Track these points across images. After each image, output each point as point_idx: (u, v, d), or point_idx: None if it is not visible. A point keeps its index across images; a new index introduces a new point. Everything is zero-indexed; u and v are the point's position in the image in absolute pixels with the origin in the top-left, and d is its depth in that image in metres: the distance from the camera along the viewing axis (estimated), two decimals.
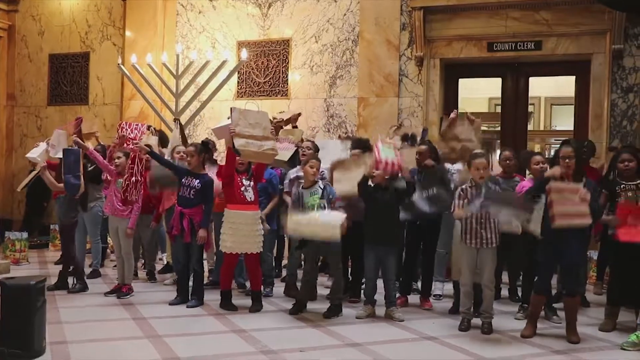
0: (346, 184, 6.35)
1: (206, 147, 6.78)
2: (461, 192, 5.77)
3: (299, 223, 5.93)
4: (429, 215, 6.42)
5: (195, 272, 6.53)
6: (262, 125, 6.26)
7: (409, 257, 6.77)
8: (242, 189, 6.23)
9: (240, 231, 6.15)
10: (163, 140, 8.50)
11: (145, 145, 6.76)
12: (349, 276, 6.96)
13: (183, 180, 6.51)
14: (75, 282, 7.12)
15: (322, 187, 6.20)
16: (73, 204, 7.22)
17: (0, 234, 9.09)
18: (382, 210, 6.07)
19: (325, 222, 5.84)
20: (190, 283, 6.60)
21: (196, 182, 6.43)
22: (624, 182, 5.99)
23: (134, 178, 6.74)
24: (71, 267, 7.20)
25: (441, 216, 6.62)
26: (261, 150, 6.17)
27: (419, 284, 6.99)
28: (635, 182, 5.91)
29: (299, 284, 6.81)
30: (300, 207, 6.14)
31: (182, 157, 7.22)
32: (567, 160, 5.41)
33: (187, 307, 6.35)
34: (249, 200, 6.23)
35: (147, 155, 6.74)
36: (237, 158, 6.20)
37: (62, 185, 7.06)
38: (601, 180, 6.44)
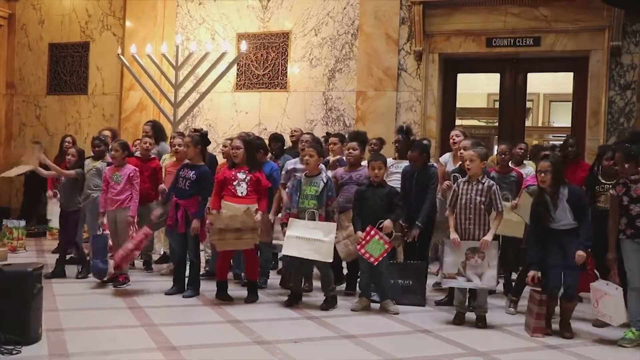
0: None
1: (203, 138, 6.77)
2: (455, 188, 5.82)
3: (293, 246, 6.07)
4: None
5: (191, 263, 6.55)
6: (240, 220, 6.12)
7: (407, 250, 6.77)
8: (235, 182, 6.24)
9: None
10: (158, 133, 8.47)
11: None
12: (346, 269, 7.00)
13: (180, 171, 6.54)
14: (80, 269, 7.23)
15: (324, 181, 6.19)
16: (75, 191, 7.27)
17: None
18: (372, 207, 6.12)
19: (318, 248, 5.99)
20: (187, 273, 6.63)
21: (191, 174, 6.44)
22: (603, 182, 6.02)
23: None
24: (72, 254, 7.27)
25: (436, 212, 6.65)
26: (237, 240, 6.12)
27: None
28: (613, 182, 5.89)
29: None
30: (297, 194, 6.20)
31: (177, 151, 7.25)
32: (542, 174, 5.45)
33: (183, 297, 6.38)
34: (240, 195, 6.24)
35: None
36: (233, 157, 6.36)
37: (70, 172, 7.19)
38: (586, 179, 6.43)
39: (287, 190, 6.77)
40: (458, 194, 5.76)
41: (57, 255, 7.48)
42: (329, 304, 6.14)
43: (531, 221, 5.64)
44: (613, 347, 5.22)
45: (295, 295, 6.27)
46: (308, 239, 6.01)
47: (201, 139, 6.64)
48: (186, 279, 6.59)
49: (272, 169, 6.98)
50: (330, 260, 6.09)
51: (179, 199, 6.47)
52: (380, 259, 5.97)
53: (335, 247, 6.23)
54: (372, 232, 5.97)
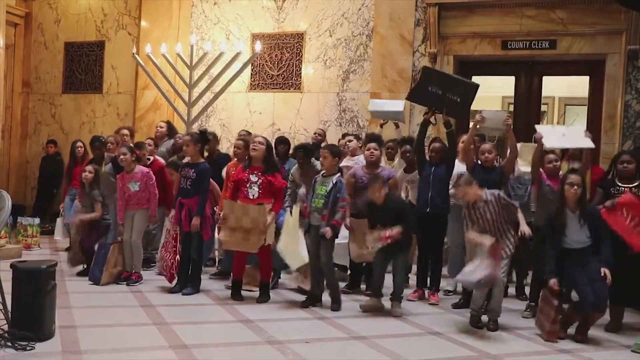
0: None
1: (203, 137, 6.78)
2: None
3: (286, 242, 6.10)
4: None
5: (193, 261, 6.57)
6: (252, 218, 6.15)
7: (422, 249, 6.79)
8: (248, 185, 6.26)
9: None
10: (172, 132, 8.57)
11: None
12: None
13: (181, 172, 6.57)
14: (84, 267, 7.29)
15: (334, 182, 6.15)
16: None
17: (13, 219, 9.19)
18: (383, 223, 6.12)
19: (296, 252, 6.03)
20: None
21: (192, 172, 6.47)
22: (619, 184, 5.98)
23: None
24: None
25: (449, 209, 6.64)
26: (244, 240, 6.18)
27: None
28: (632, 185, 5.89)
29: None
30: (312, 193, 6.23)
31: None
32: (574, 187, 5.46)
33: (183, 294, 6.40)
34: (251, 197, 6.24)
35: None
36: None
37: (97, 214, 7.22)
38: (601, 181, 6.41)
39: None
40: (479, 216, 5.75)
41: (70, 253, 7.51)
42: (338, 303, 6.15)
43: (549, 235, 5.59)
44: (626, 352, 5.19)
45: (314, 296, 6.26)
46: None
47: (200, 137, 6.66)
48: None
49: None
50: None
51: (182, 198, 6.51)
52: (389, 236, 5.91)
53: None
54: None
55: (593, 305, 5.30)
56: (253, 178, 6.26)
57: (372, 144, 6.77)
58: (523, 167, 6.40)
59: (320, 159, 6.25)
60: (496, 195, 5.68)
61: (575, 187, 5.42)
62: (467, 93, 6.54)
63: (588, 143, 6.23)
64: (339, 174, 6.28)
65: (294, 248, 6.03)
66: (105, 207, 7.33)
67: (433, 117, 6.73)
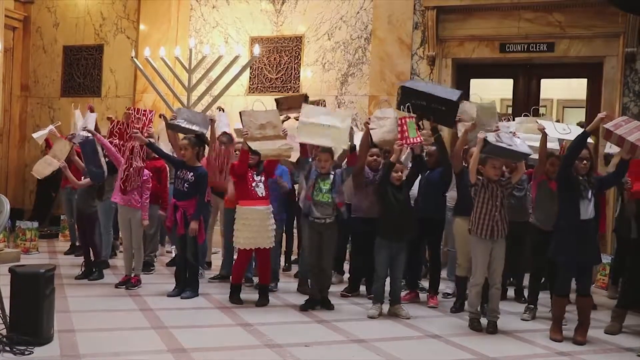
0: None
1: (200, 141, 6.77)
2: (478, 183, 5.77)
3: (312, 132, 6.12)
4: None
5: (190, 264, 6.57)
6: (273, 124, 6.29)
7: (415, 251, 6.78)
8: (254, 184, 6.28)
9: (253, 227, 6.22)
10: None
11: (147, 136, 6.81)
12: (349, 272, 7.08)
13: (178, 172, 6.58)
14: (94, 270, 7.28)
15: (332, 173, 6.24)
16: (92, 193, 7.29)
17: (11, 223, 9.18)
18: (398, 208, 6.06)
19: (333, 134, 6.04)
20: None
21: (190, 175, 6.47)
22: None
23: (132, 168, 6.74)
24: (92, 256, 7.37)
25: (445, 212, 6.65)
26: (277, 147, 6.26)
27: (422, 282, 7.05)
28: None
29: None
30: (312, 185, 6.21)
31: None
32: (584, 162, 5.51)
33: (182, 298, 6.42)
34: (260, 195, 6.28)
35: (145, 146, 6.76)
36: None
37: (84, 181, 7.18)
38: None
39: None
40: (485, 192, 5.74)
41: (69, 257, 7.51)
42: (328, 305, 6.22)
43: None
44: (627, 354, 5.19)
45: (313, 300, 6.27)
46: (323, 125, 6.06)
47: (198, 140, 6.67)
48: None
49: (282, 171, 7.00)
50: (345, 147, 6.14)
51: (177, 200, 6.52)
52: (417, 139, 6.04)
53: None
54: (404, 121, 6.08)
55: (568, 288, 5.46)
56: (256, 177, 6.33)
57: (376, 150, 6.73)
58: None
59: (321, 161, 6.20)
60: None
61: (585, 161, 5.46)
62: (450, 105, 6.44)
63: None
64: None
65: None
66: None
67: (421, 121, 6.62)
